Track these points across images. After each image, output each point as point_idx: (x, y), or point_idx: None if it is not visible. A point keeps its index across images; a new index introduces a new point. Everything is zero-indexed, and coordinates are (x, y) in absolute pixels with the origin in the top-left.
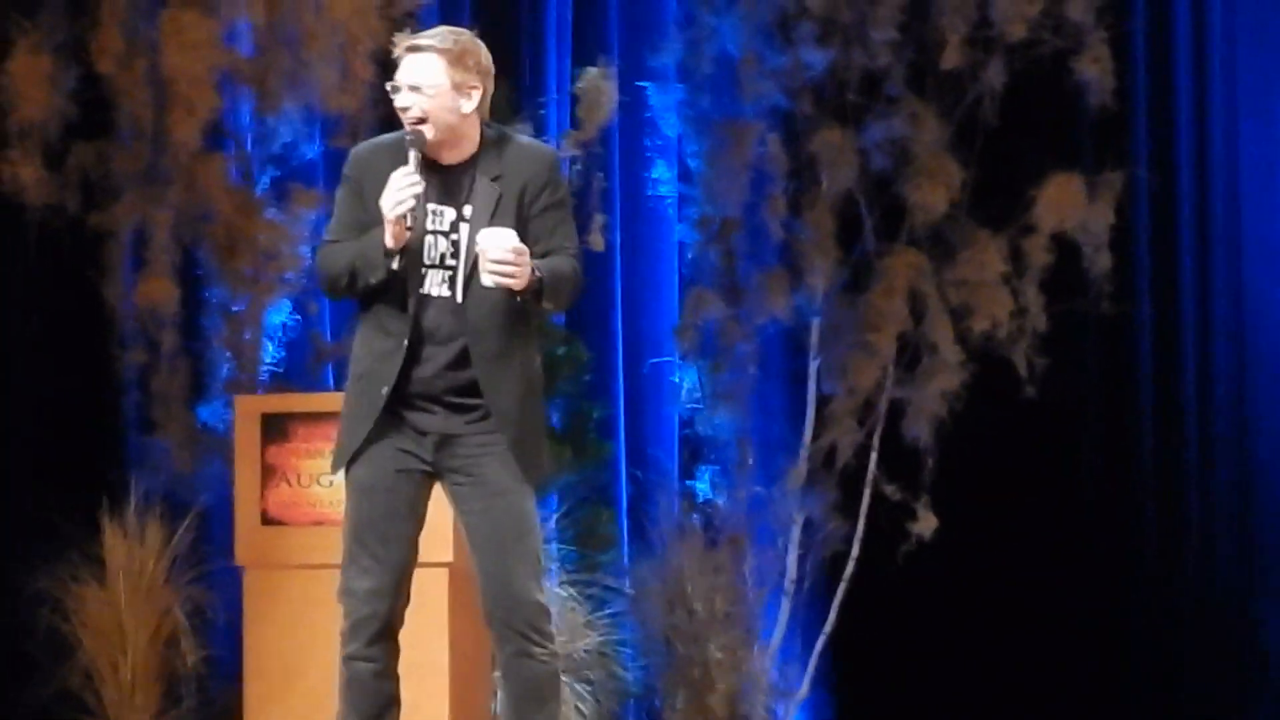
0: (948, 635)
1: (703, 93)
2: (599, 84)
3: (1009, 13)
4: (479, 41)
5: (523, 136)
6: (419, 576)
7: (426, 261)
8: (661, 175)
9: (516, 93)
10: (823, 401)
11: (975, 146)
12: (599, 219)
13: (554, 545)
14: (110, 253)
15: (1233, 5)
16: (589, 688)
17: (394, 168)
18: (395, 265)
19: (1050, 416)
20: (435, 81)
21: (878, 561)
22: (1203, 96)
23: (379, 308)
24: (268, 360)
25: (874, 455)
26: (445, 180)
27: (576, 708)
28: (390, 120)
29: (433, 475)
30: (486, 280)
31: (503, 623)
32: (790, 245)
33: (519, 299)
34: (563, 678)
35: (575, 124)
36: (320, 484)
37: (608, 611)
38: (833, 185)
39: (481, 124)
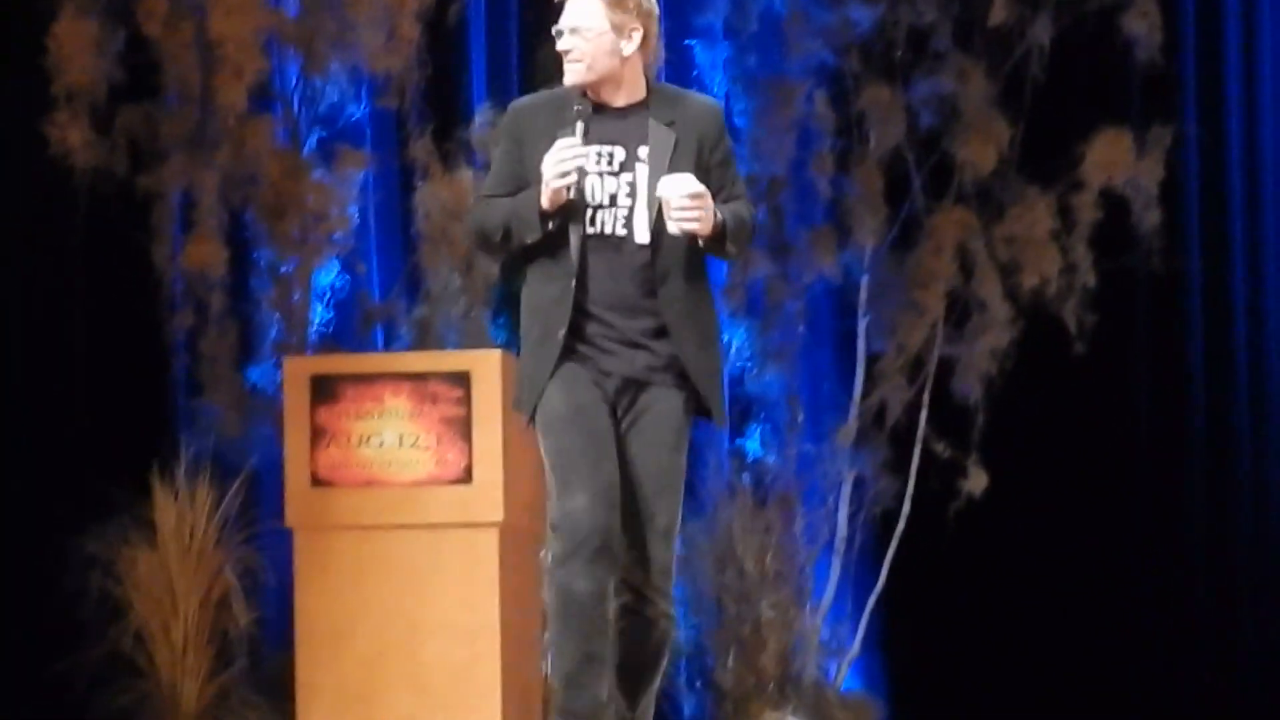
0: (999, 593)
1: (749, 51)
2: None
3: None
4: None
5: (690, 91)
6: (469, 536)
7: (593, 202)
8: None
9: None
10: (872, 360)
11: (1023, 103)
12: None
13: None
14: (158, 215)
15: None
16: None
17: (554, 125)
18: (551, 227)
19: (1100, 373)
20: (594, 24)
21: (928, 519)
22: (1252, 50)
23: (540, 256)
24: (316, 322)
25: (924, 413)
26: (615, 121)
27: None
28: (436, 80)
29: (614, 413)
30: (673, 228)
31: (627, 571)
32: (838, 203)
33: (702, 244)
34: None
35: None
36: (370, 445)
37: None
38: (880, 143)
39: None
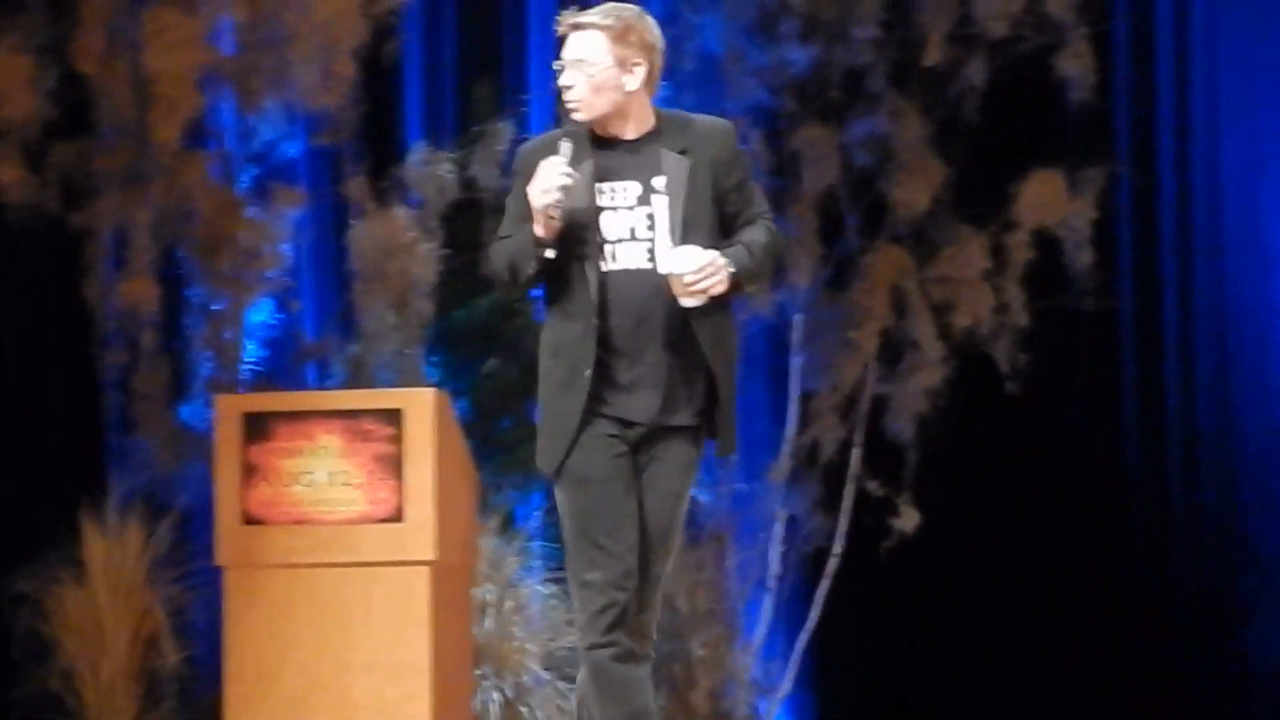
0: (930, 631)
1: (686, 90)
2: None
3: (990, 10)
4: (646, 16)
5: (697, 114)
6: (400, 574)
7: (611, 237)
8: None
9: (499, 90)
10: (805, 398)
11: (957, 143)
12: None
13: (537, 543)
14: (91, 252)
15: (1214, 1)
16: (571, 685)
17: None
18: (549, 255)
19: (1033, 412)
20: (598, 58)
21: (861, 558)
22: (1184, 93)
23: (559, 296)
24: (248, 359)
25: (856, 451)
26: (627, 155)
27: (558, 706)
28: (372, 118)
29: (633, 456)
30: (686, 303)
31: (630, 609)
32: None
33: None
34: (545, 675)
35: (558, 121)
36: (301, 483)
37: None
38: (815, 182)
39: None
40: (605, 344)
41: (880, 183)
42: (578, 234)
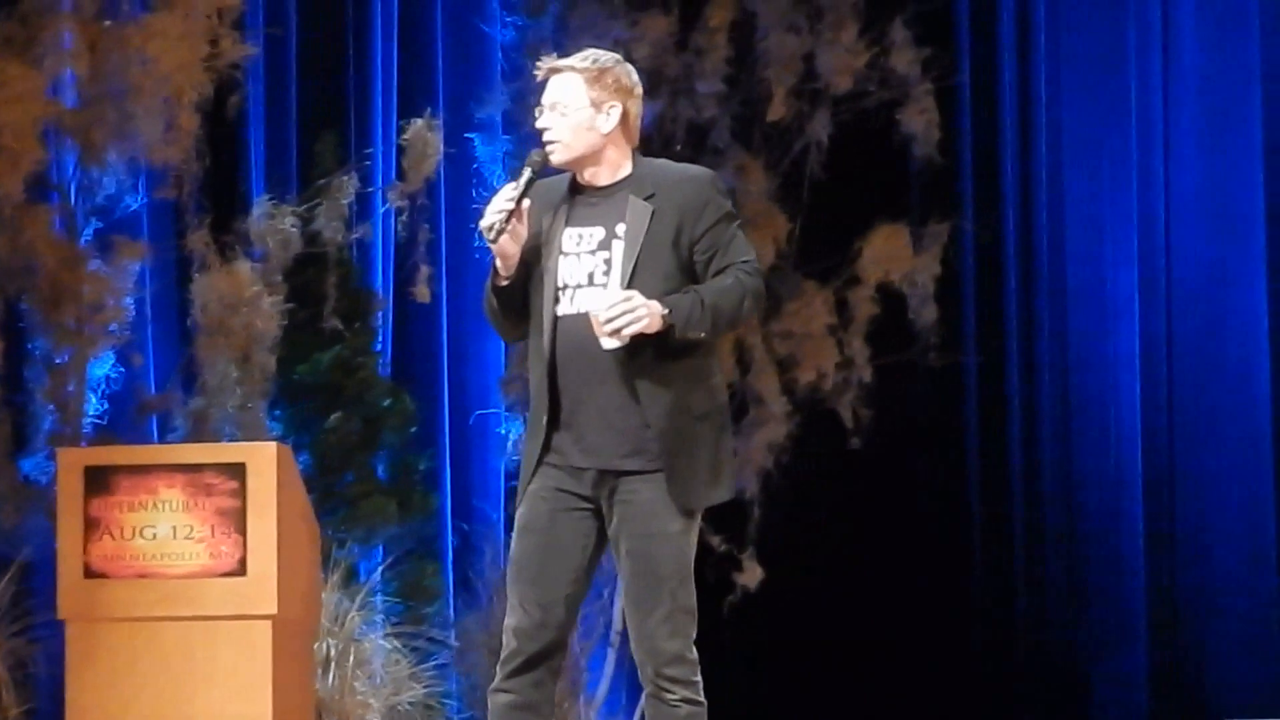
0: (774, 686)
1: (529, 144)
2: (425, 135)
3: (835, 65)
4: (623, 63)
5: (679, 163)
6: (242, 628)
7: (570, 282)
8: None
9: (343, 144)
10: None
11: (802, 198)
12: (425, 271)
13: (379, 597)
14: None
15: (1057, 59)
16: None
17: (541, 207)
18: (502, 283)
19: (877, 467)
20: (573, 101)
21: (704, 613)
22: (1028, 148)
23: (531, 339)
24: (91, 413)
25: None
26: (599, 201)
27: None
28: (215, 172)
29: (598, 511)
30: (605, 344)
31: (640, 664)
32: None
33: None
34: None
35: (401, 175)
36: (144, 536)
37: (433, 664)
38: None
39: (634, 150)
40: (561, 390)
41: None
42: (542, 278)
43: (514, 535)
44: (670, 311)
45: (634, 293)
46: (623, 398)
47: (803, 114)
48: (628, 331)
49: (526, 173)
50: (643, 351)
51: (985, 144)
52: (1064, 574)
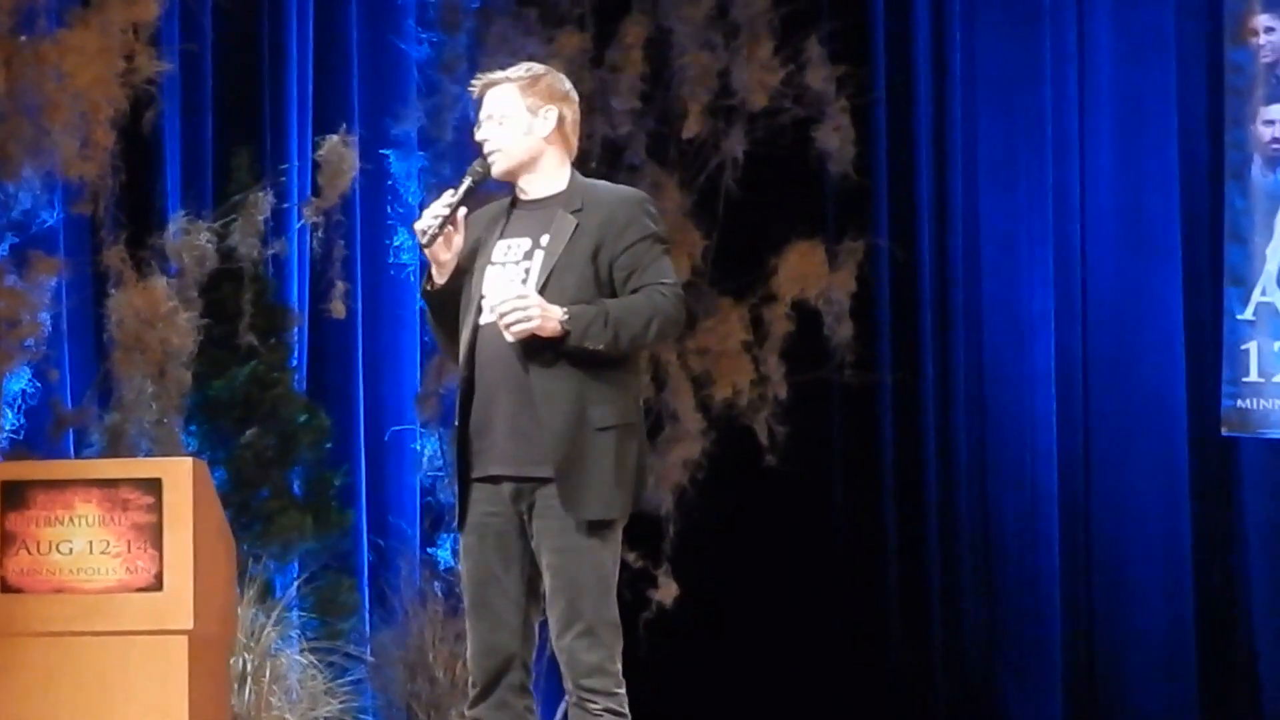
0: (690, 703)
1: (445, 160)
2: (340, 151)
3: (750, 82)
4: (555, 71)
5: (616, 184)
6: (159, 643)
7: (486, 293)
8: (403, 243)
9: (258, 159)
10: None
11: (717, 215)
12: (340, 286)
13: (295, 613)
14: None
15: (973, 77)
16: None
17: (483, 221)
18: (429, 287)
19: (792, 484)
20: (508, 109)
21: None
22: (943, 165)
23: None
24: (7, 428)
25: None
26: (530, 213)
27: None
28: (131, 187)
29: (522, 527)
30: (507, 335)
31: (563, 674)
32: None
33: (571, 341)
34: None
35: (316, 191)
36: (60, 551)
37: (349, 679)
38: None
39: (573, 167)
40: (477, 399)
41: None
42: (469, 289)
43: (462, 557)
44: (569, 318)
45: (530, 292)
46: (527, 404)
47: (718, 130)
48: (517, 329)
49: (467, 181)
50: (545, 357)
51: (900, 161)
52: (979, 592)
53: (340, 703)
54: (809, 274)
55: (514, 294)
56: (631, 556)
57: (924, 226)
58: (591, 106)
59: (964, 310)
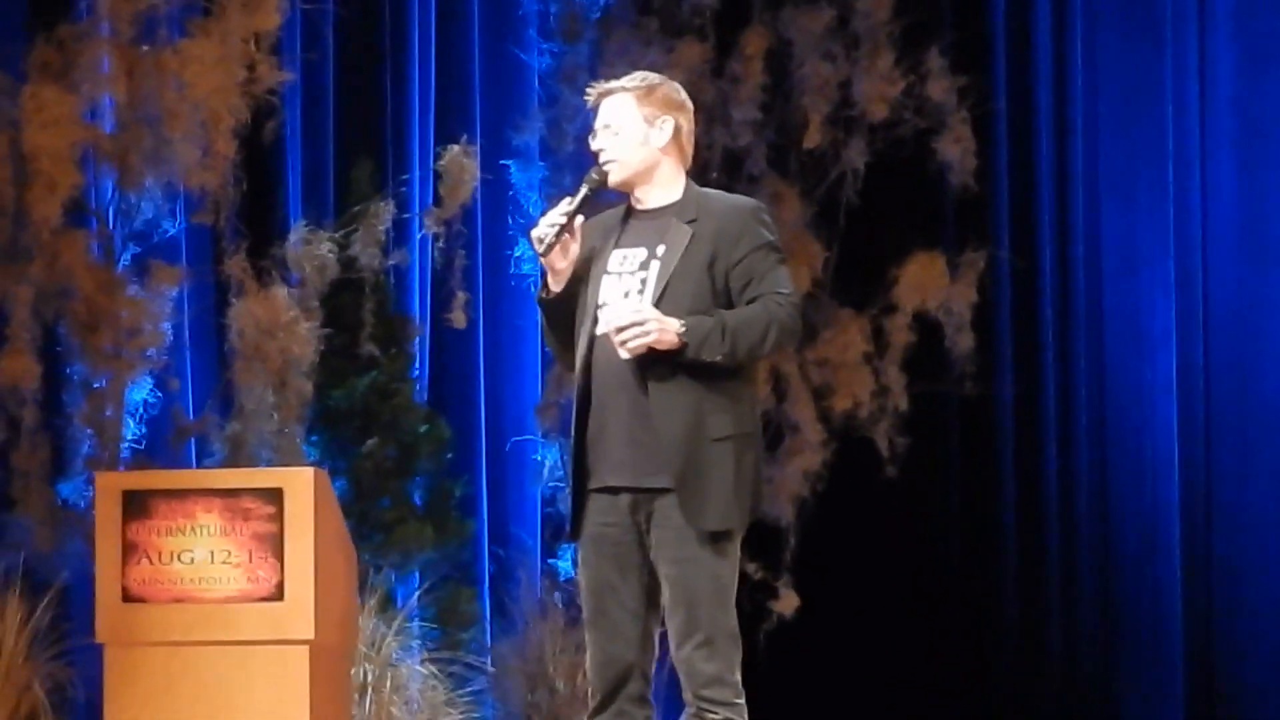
0: (809, 714)
1: (565, 171)
2: (461, 162)
3: (871, 93)
4: (671, 81)
5: (725, 193)
6: (279, 653)
7: (608, 301)
8: (524, 253)
9: (379, 170)
10: None
11: (837, 226)
12: (461, 297)
13: (415, 623)
14: None
15: (1094, 87)
16: None
17: (598, 230)
18: (545, 295)
19: (912, 496)
20: (624, 119)
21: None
22: (1064, 177)
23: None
24: (128, 437)
25: None
26: (646, 223)
27: None
28: (252, 197)
29: (640, 537)
30: (622, 354)
31: (682, 684)
32: None
33: (690, 355)
34: None
35: (437, 201)
36: (181, 561)
37: (469, 690)
38: None
39: (688, 177)
40: (589, 407)
41: None
42: (584, 298)
43: (580, 565)
44: (686, 330)
45: (647, 306)
46: (643, 414)
47: (838, 141)
48: (634, 344)
49: (584, 189)
50: (662, 369)
51: (1021, 172)
52: (1099, 603)
53: (461, 713)
54: (929, 285)
55: (630, 309)
56: (752, 568)
57: (1044, 237)
58: (712, 117)
59: (1085, 321)
